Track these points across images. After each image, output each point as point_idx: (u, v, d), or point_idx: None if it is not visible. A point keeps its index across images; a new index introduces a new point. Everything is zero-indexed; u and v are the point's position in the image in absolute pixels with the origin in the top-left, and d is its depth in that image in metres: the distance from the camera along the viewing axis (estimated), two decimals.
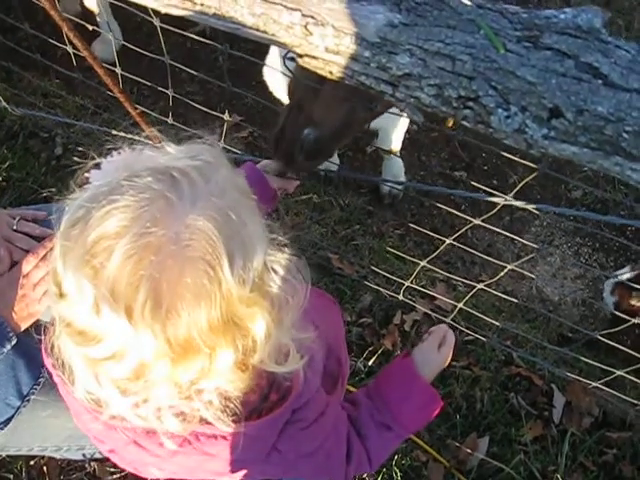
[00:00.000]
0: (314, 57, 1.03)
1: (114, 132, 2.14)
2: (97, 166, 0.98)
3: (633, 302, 2.42)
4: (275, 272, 0.96)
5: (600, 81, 0.89)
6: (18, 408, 1.48)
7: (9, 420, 1.47)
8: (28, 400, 1.51)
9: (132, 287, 0.80)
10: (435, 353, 1.42)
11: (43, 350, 1.06)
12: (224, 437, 1.06)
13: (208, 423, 1.00)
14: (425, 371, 1.38)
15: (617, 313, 2.00)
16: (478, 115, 0.96)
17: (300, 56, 1.05)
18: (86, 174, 0.97)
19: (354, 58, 0.99)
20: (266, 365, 0.97)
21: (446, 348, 1.45)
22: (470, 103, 0.95)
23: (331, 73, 1.04)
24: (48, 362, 1.07)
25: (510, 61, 0.91)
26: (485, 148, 3.19)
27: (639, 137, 0.88)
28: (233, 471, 1.17)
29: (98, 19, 3.10)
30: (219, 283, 0.84)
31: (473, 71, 0.92)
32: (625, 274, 2.51)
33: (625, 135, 0.89)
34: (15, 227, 1.57)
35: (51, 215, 1.59)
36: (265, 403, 1.07)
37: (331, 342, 1.36)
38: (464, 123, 0.99)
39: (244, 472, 1.21)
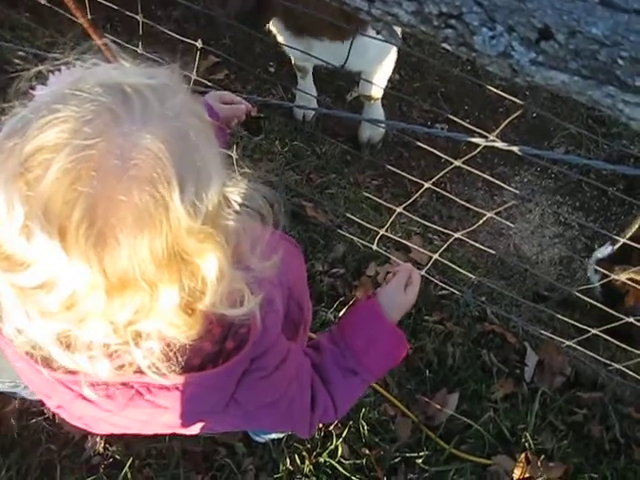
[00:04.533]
0: None
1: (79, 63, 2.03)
2: (43, 82, 0.90)
3: (618, 277, 2.37)
4: (235, 204, 0.88)
5: None
6: None
7: None
8: None
9: (68, 206, 0.72)
10: (401, 294, 1.35)
11: None
12: (177, 388, 0.99)
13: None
14: (391, 313, 1.31)
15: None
16: (460, 36, 0.87)
17: None
18: (31, 91, 0.89)
19: None
20: (218, 308, 0.89)
21: (413, 288, 1.37)
22: (452, 21, 0.86)
23: None
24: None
25: None
26: (468, 101, 3.11)
27: (636, 64, 0.80)
28: (189, 424, 1.11)
29: None
30: (166, 209, 0.76)
31: None
32: (607, 249, 2.45)
33: (620, 61, 0.81)
34: None
35: None
36: (221, 352, 1.00)
37: (292, 287, 1.28)
38: (445, 45, 0.90)
39: (201, 424, 1.15)
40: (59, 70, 0.91)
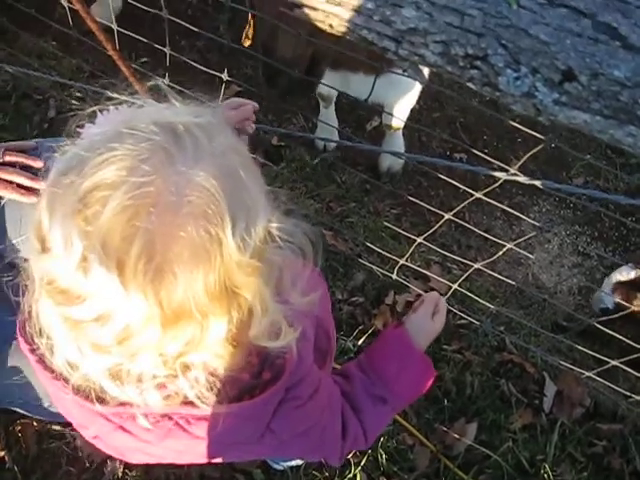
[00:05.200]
0: (314, 8, 0.97)
1: (109, 93, 2.07)
2: (92, 120, 0.92)
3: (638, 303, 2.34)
4: (277, 239, 0.90)
5: (618, 43, 0.83)
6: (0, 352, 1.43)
7: None
8: (10, 345, 1.46)
9: (126, 241, 0.74)
10: (429, 323, 1.37)
11: (18, 329, 1.00)
12: (215, 419, 1.00)
13: (192, 403, 0.94)
14: (419, 341, 1.33)
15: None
16: (485, 76, 0.90)
17: (299, 7, 0.99)
18: (79, 129, 0.92)
19: (356, 10, 0.93)
20: (260, 340, 0.91)
21: (440, 316, 1.40)
22: (477, 62, 0.89)
23: (331, 26, 0.98)
24: (24, 346, 1.00)
25: (523, 18, 0.85)
26: (486, 131, 3.14)
27: None
28: (224, 454, 1.13)
29: None
30: (220, 244, 0.78)
31: (482, 27, 0.87)
32: (630, 273, 2.42)
33: None
34: (1, 160, 1.49)
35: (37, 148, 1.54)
36: (258, 382, 1.02)
37: (320, 316, 1.30)
38: (470, 85, 0.93)
39: (236, 454, 1.17)
40: (107, 110, 0.93)
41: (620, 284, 2.39)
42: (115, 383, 0.87)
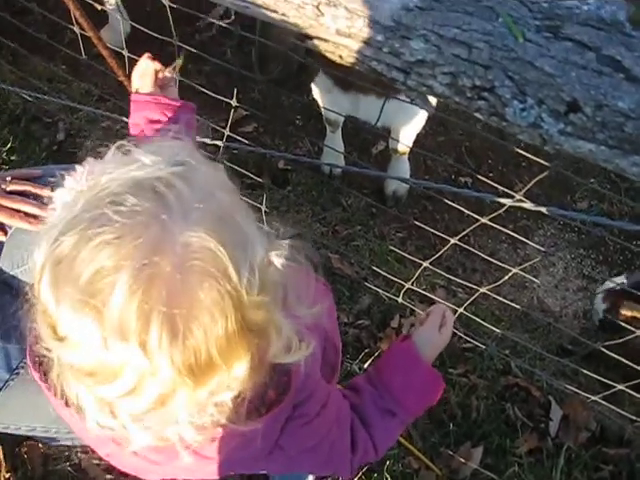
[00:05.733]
0: (324, 40, 0.99)
1: (124, 119, 2.10)
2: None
3: (624, 312, 2.35)
4: (276, 264, 0.92)
5: (622, 75, 0.85)
6: (6, 381, 1.44)
7: None
8: (17, 374, 1.47)
9: (142, 322, 0.75)
10: (436, 335, 1.37)
11: (27, 357, 1.01)
12: (223, 439, 1.02)
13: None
14: (427, 354, 1.33)
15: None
16: (492, 107, 0.92)
17: (309, 38, 1.01)
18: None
19: (366, 42, 0.96)
20: (278, 358, 0.93)
21: (447, 328, 1.39)
22: (485, 94, 0.91)
23: (341, 57, 1.00)
24: (35, 374, 1.01)
25: (529, 51, 0.88)
26: (491, 155, 3.16)
27: None
28: (234, 469, 1.14)
29: (107, 7, 3.09)
30: (230, 296, 0.80)
31: (489, 60, 0.89)
32: (620, 282, 2.43)
33: None
34: (8, 189, 1.50)
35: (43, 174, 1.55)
36: (263, 401, 1.03)
37: (327, 328, 1.31)
38: (477, 115, 0.95)
39: (245, 467, 1.19)
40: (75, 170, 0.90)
41: (608, 292, 2.41)
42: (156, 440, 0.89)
